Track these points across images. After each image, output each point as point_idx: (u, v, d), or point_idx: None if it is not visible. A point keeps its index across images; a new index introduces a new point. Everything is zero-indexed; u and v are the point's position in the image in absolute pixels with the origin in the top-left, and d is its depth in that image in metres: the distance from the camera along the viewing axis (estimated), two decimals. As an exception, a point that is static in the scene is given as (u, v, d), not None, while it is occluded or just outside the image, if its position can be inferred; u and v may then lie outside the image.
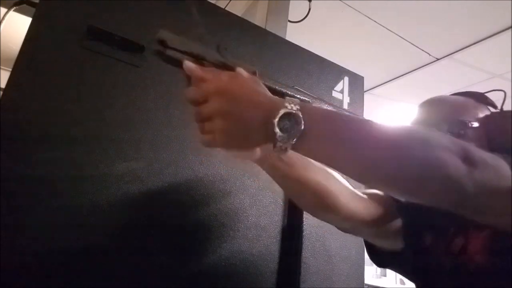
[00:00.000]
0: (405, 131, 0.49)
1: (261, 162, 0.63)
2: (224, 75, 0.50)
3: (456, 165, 0.44)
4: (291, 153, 0.47)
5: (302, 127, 0.45)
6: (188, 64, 0.53)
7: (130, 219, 0.74)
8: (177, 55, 0.54)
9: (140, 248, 0.73)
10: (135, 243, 0.73)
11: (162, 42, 0.54)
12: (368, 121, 0.48)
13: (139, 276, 0.72)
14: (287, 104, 0.46)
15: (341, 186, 0.68)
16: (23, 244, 0.63)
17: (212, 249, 0.81)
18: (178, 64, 0.54)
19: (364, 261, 1.04)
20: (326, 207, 0.67)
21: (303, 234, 0.94)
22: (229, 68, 0.55)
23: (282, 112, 0.45)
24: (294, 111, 0.45)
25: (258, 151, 0.58)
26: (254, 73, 0.57)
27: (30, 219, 0.64)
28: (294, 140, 0.45)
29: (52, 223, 0.66)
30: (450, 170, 0.44)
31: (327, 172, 0.67)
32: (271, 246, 0.90)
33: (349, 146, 0.47)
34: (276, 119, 0.45)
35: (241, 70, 0.54)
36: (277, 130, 0.45)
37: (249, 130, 0.48)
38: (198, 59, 0.55)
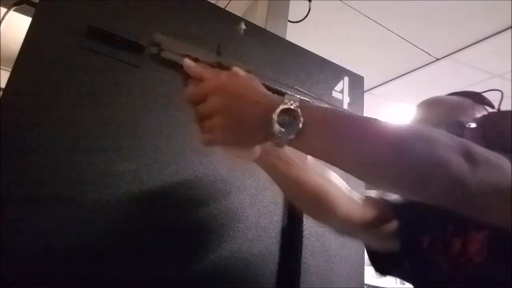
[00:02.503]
0: (407, 128, 0.49)
1: (260, 161, 0.63)
2: (223, 74, 0.50)
3: (459, 164, 0.44)
4: (290, 154, 0.47)
5: (301, 123, 0.45)
6: (188, 61, 0.53)
7: (130, 219, 0.74)
8: (173, 57, 0.54)
9: (140, 248, 0.73)
10: (135, 243, 0.73)
11: (157, 45, 0.54)
12: (368, 118, 0.48)
13: (139, 276, 0.72)
14: (286, 101, 0.46)
15: (339, 190, 0.69)
16: (23, 245, 0.63)
17: (212, 249, 0.81)
18: (175, 66, 0.54)
19: (364, 261, 1.04)
20: (323, 209, 0.68)
21: (303, 234, 0.94)
22: (225, 68, 0.55)
23: (281, 107, 0.45)
24: (293, 107, 0.45)
25: (257, 150, 0.59)
26: (249, 72, 0.57)
27: (30, 219, 0.64)
28: (293, 135, 0.45)
29: (52, 223, 0.65)
30: (452, 169, 0.43)
31: (326, 177, 0.68)
32: (271, 246, 0.90)
33: (349, 143, 0.47)
34: (275, 114, 0.45)
35: (238, 69, 0.54)
36: (275, 125, 0.45)
37: (249, 127, 0.48)
38: (194, 61, 0.55)
